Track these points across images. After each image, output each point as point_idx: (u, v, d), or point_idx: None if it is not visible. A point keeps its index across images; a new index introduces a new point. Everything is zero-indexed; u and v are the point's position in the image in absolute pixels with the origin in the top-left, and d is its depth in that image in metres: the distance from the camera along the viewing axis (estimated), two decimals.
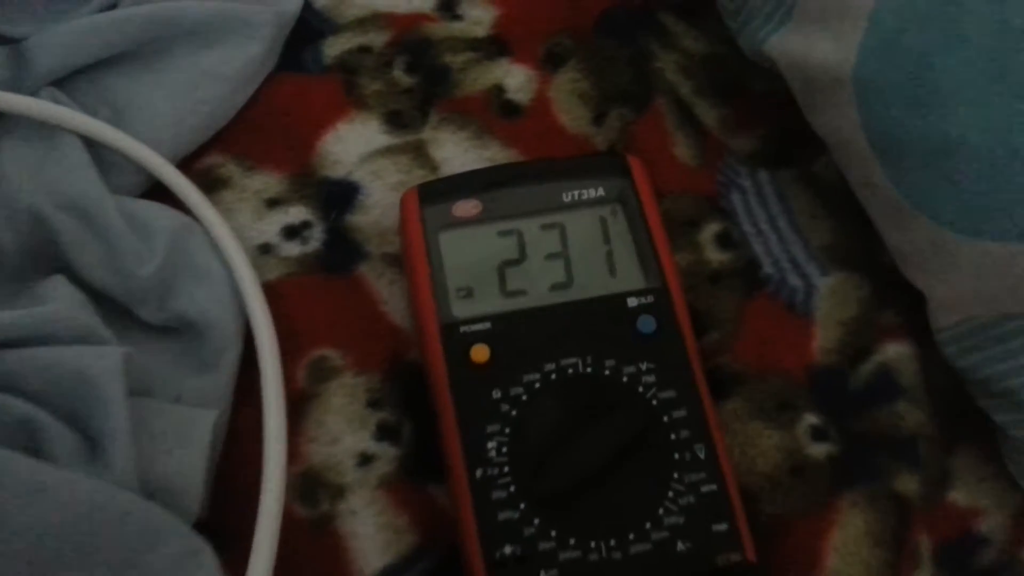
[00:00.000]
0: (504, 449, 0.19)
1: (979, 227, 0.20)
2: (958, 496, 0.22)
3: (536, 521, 0.18)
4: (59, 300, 0.19)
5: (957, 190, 0.20)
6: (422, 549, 0.20)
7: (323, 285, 0.23)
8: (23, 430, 0.17)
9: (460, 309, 0.21)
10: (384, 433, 0.21)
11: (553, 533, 0.18)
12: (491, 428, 0.19)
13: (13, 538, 0.15)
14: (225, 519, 0.19)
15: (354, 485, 0.20)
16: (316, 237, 0.24)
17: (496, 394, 0.19)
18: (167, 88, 0.24)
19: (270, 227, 0.24)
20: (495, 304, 0.21)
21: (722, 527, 0.18)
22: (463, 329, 0.20)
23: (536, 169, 0.23)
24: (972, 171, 0.20)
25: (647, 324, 0.21)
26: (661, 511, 0.18)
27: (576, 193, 0.22)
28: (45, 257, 0.21)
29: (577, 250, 0.22)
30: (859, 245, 0.24)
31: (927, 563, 0.21)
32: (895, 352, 0.23)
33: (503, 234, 0.22)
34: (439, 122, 0.26)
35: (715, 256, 0.24)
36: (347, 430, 0.21)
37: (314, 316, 0.22)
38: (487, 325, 0.20)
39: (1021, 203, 0.20)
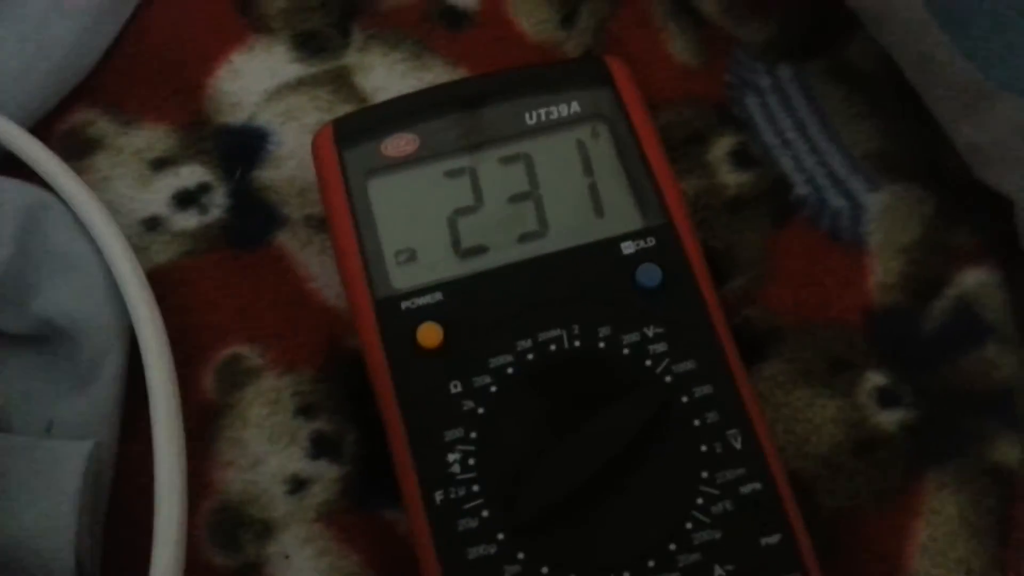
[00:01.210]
0: (471, 461, 0.14)
1: None
2: None
3: (520, 556, 0.13)
4: None
5: None
6: None
7: (231, 263, 0.18)
8: None
9: (400, 278, 0.16)
10: (321, 448, 0.16)
11: (545, 571, 0.13)
12: (451, 434, 0.14)
13: None
14: (119, 573, 0.15)
15: (285, 519, 0.16)
16: (218, 203, 0.19)
17: (455, 387, 0.15)
18: (6, 32, 0.19)
19: (158, 195, 0.18)
20: (446, 268, 0.16)
21: (773, 539, 0.14)
22: (405, 304, 0.15)
23: (488, 86, 0.17)
24: None
25: (650, 275, 0.16)
26: (690, 525, 0.14)
27: (543, 112, 0.17)
28: None
29: (550, 187, 0.17)
30: (915, 149, 0.19)
31: None
32: (975, 281, 0.18)
33: (451, 174, 0.17)
34: (365, 41, 0.20)
35: (731, 178, 0.19)
36: (272, 448, 0.16)
37: (221, 304, 0.17)
38: (437, 296, 0.15)
39: None
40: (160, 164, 0.19)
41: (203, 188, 0.19)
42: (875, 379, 0.17)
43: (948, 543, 0.15)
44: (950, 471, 0.16)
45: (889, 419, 0.16)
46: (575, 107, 0.17)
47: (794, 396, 0.17)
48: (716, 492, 0.14)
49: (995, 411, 0.16)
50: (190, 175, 0.19)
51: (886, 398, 0.17)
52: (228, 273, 0.18)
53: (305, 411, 0.17)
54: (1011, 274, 0.18)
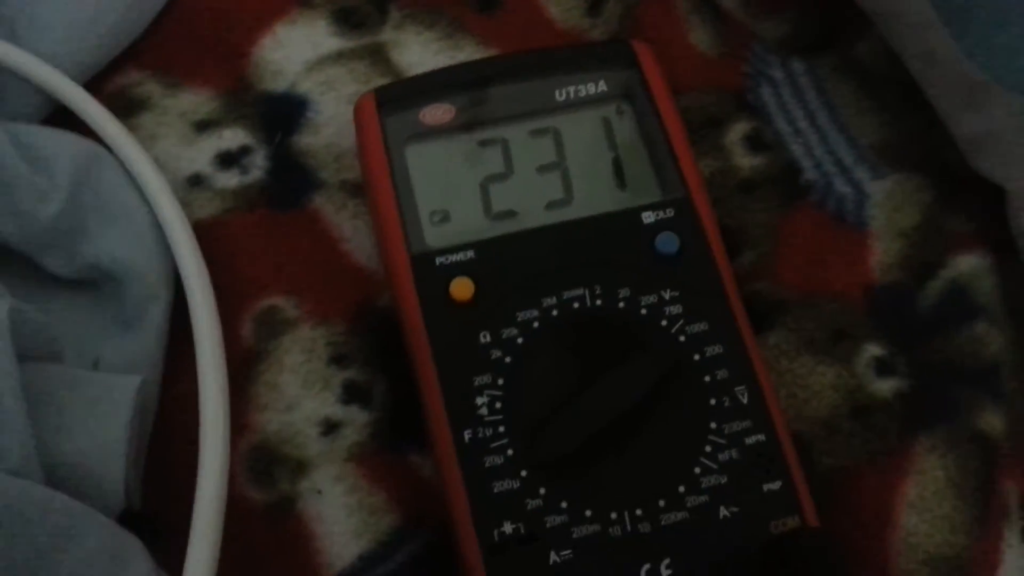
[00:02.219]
0: (497, 405, 0.15)
1: None
2: None
3: (542, 491, 0.14)
4: None
5: None
6: (405, 531, 0.16)
7: (269, 222, 0.19)
8: None
9: (435, 237, 0.17)
10: (352, 395, 0.17)
11: (564, 505, 0.14)
12: (480, 380, 0.15)
13: None
14: (164, 510, 0.16)
15: (318, 459, 0.17)
16: (258, 164, 0.19)
17: (484, 337, 0.16)
18: None
19: (201, 155, 0.19)
20: (478, 229, 0.17)
21: (775, 486, 0.15)
22: (440, 260, 0.16)
23: (521, 63, 0.18)
24: None
25: (668, 243, 0.17)
26: (698, 470, 0.15)
27: (572, 90, 0.18)
28: None
29: (577, 159, 0.18)
30: (917, 140, 0.20)
31: (1016, 514, 0.18)
32: (969, 265, 0.19)
33: (484, 143, 0.18)
34: (401, 19, 0.21)
35: (745, 161, 0.20)
36: (306, 393, 0.17)
37: (260, 259, 0.18)
38: (469, 254, 0.16)
39: None
40: (204, 126, 0.20)
41: (244, 150, 0.20)
42: (872, 350, 0.18)
43: (935, 501, 0.16)
44: (939, 436, 0.17)
45: (884, 387, 0.18)
46: (602, 86, 0.18)
47: (797, 363, 0.18)
48: (723, 442, 0.15)
49: (982, 384, 0.18)
50: (232, 137, 0.20)
51: (882, 368, 0.18)
52: (266, 231, 0.19)
53: (338, 360, 0.18)
54: (1002, 260, 0.19)
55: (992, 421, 0.17)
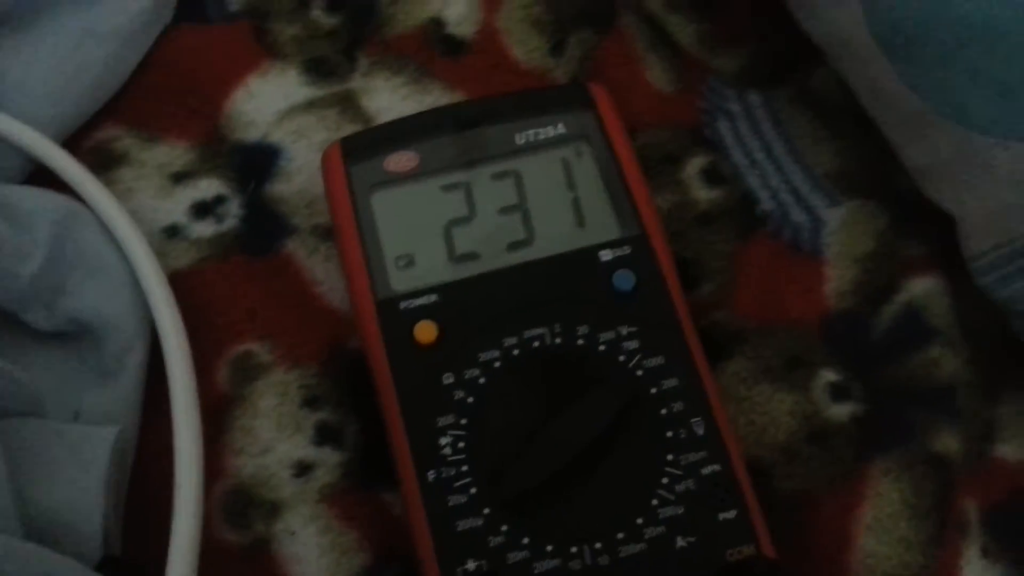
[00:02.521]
0: (461, 444, 0.16)
1: (1016, 125, 0.17)
2: (1006, 450, 0.19)
3: (504, 528, 0.15)
4: None
5: (987, 85, 0.17)
6: (377, 568, 0.16)
7: (244, 268, 0.19)
8: None
9: (400, 281, 0.17)
10: (325, 436, 0.18)
11: (525, 541, 0.15)
12: (443, 420, 0.16)
13: None
14: (144, 554, 0.16)
15: (292, 500, 0.17)
16: (233, 213, 0.20)
17: (448, 379, 0.16)
18: (44, 55, 0.20)
19: (178, 206, 0.20)
20: (442, 272, 0.17)
21: (730, 515, 0.15)
22: (404, 304, 0.17)
23: (482, 109, 0.19)
24: (1003, 59, 0.16)
25: (625, 280, 0.17)
26: (655, 502, 0.15)
27: (532, 133, 0.19)
28: None
29: (537, 201, 0.18)
30: (871, 169, 0.21)
31: (976, 530, 0.18)
32: (923, 288, 0.19)
33: (447, 188, 0.18)
34: (369, 67, 0.22)
35: (702, 194, 0.21)
36: (280, 436, 0.18)
37: (235, 306, 0.19)
38: (433, 298, 0.17)
39: None
40: (180, 177, 0.21)
41: (219, 199, 0.20)
42: (828, 376, 0.18)
43: (892, 523, 0.17)
44: (894, 458, 0.17)
45: (840, 412, 0.18)
46: (560, 128, 0.19)
47: (755, 391, 0.18)
48: (680, 473, 0.15)
49: (938, 406, 0.18)
50: (208, 188, 0.21)
51: (838, 393, 0.18)
52: (241, 277, 0.20)
53: (311, 402, 0.18)
54: (956, 284, 0.20)
55: (948, 442, 0.18)
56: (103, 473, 0.16)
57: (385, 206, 0.18)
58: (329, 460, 0.18)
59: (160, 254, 0.19)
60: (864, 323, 0.19)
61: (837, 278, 0.19)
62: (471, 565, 0.15)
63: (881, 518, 0.17)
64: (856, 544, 0.17)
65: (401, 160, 0.19)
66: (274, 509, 0.17)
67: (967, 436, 0.18)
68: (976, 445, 0.19)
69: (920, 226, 0.20)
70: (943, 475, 0.17)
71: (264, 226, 0.20)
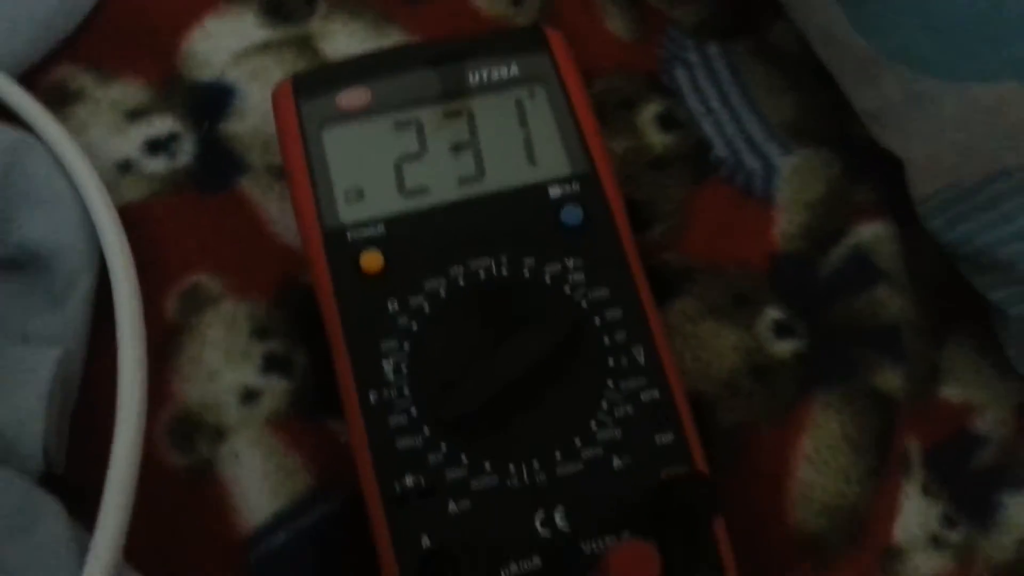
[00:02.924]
0: (403, 368, 0.16)
1: (963, 69, 0.17)
2: (950, 392, 0.19)
3: (443, 447, 0.15)
4: None
5: (934, 27, 0.17)
6: (320, 491, 0.17)
7: (197, 204, 0.19)
8: None
9: (348, 213, 0.17)
10: (272, 365, 0.18)
11: (464, 459, 0.15)
12: (386, 345, 0.16)
13: None
14: (88, 475, 0.16)
15: (237, 425, 0.17)
16: (186, 150, 0.20)
17: (392, 306, 0.16)
18: None
19: (130, 142, 0.20)
20: (390, 204, 0.17)
21: (667, 438, 0.15)
22: (351, 235, 0.17)
23: (437, 49, 0.19)
24: (951, 4, 0.16)
25: (573, 215, 0.17)
26: (594, 424, 0.15)
27: (485, 74, 0.19)
28: None
29: (489, 138, 0.18)
30: (826, 119, 0.21)
31: (918, 468, 0.18)
32: (871, 233, 0.20)
33: (399, 125, 0.18)
34: (328, 11, 0.22)
35: (657, 139, 0.21)
36: (227, 364, 0.18)
37: (186, 239, 0.19)
38: (380, 228, 0.17)
39: (1012, 35, 0.16)
40: (135, 115, 0.21)
41: (173, 137, 0.20)
42: (773, 314, 0.19)
43: (830, 454, 0.17)
44: (835, 393, 0.18)
45: (783, 348, 0.18)
46: (514, 70, 0.19)
47: (701, 328, 0.18)
48: (619, 398, 0.16)
49: (881, 344, 0.18)
50: (161, 125, 0.20)
51: (782, 330, 0.18)
52: (193, 213, 0.20)
53: (259, 333, 0.18)
54: (906, 230, 0.20)
55: (890, 380, 0.18)
56: (44, 391, 0.16)
57: (336, 142, 0.18)
58: (276, 388, 0.18)
59: (112, 188, 0.19)
60: (811, 264, 0.19)
61: (787, 222, 0.20)
62: (409, 481, 0.15)
63: (820, 449, 0.17)
64: (795, 474, 0.17)
65: (353, 97, 0.19)
66: (219, 433, 0.17)
67: (910, 376, 0.18)
68: (920, 386, 0.19)
69: (872, 174, 0.20)
70: (884, 412, 0.18)
71: (218, 164, 0.20)
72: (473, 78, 0.19)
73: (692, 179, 0.20)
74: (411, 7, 0.22)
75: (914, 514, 0.18)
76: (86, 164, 0.18)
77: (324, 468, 0.17)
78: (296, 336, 0.18)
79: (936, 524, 0.18)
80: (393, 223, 0.17)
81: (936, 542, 0.18)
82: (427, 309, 0.16)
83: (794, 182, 0.20)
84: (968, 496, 0.18)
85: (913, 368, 0.19)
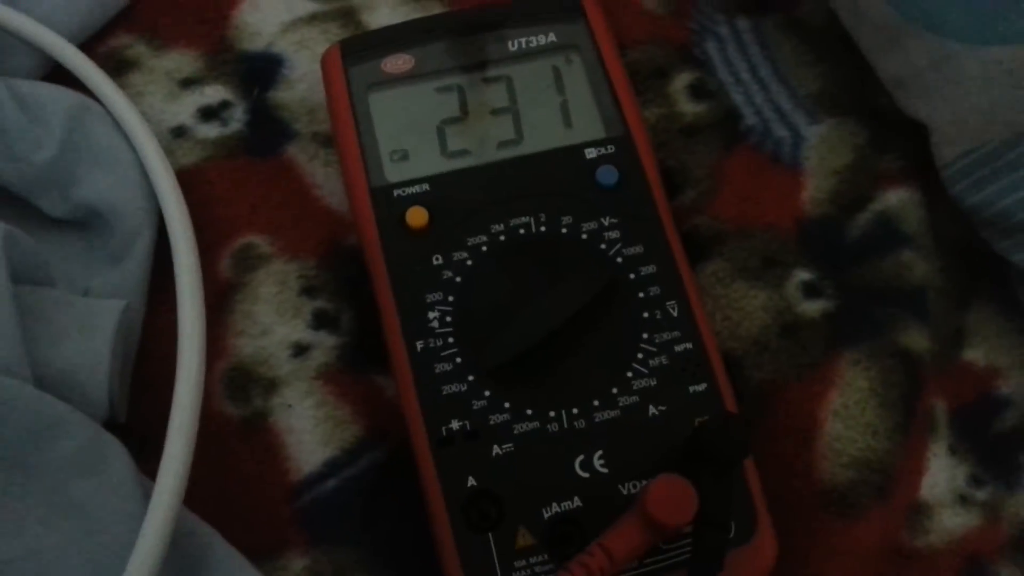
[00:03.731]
0: (448, 319, 0.17)
1: (987, 31, 0.17)
2: (975, 355, 0.20)
3: (486, 393, 0.16)
4: None
5: None
6: (368, 441, 0.17)
7: (247, 168, 0.20)
8: None
9: (394, 172, 0.18)
10: (321, 321, 0.19)
11: (506, 405, 0.16)
12: (432, 296, 0.17)
13: None
14: (147, 424, 0.17)
15: (289, 378, 0.18)
16: (237, 117, 0.21)
17: (436, 260, 0.17)
18: None
19: (185, 109, 0.21)
20: (434, 165, 0.18)
21: (700, 387, 0.16)
22: (397, 192, 0.18)
23: (477, 17, 0.20)
24: None
25: (608, 175, 0.18)
26: (630, 374, 0.16)
27: (524, 41, 0.20)
28: None
29: (527, 103, 0.19)
30: (852, 90, 0.22)
31: (944, 428, 0.19)
32: (897, 199, 0.20)
33: (441, 90, 0.19)
34: None
35: (688, 108, 0.21)
36: (279, 320, 0.19)
37: (238, 202, 0.20)
38: (424, 187, 0.18)
39: None
40: (187, 83, 0.21)
41: (224, 104, 0.21)
42: (801, 275, 0.19)
43: (858, 409, 0.18)
44: (863, 350, 0.18)
45: (811, 308, 0.19)
46: (552, 37, 0.20)
47: (731, 289, 0.19)
48: (654, 349, 0.16)
49: (907, 305, 0.19)
50: (213, 93, 0.21)
51: (810, 290, 0.19)
52: (244, 177, 0.20)
53: (308, 291, 0.19)
54: (931, 197, 0.20)
55: (916, 339, 0.19)
56: (110, 341, 0.17)
57: (381, 105, 0.19)
58: (325, 343, 0.18)
59: (167, 152, 0.20)
60: (839, 228, 0.20)
61: (815, 188, 0.20)
62: (455, 424, 0.16)
63: (848, 404, 0.18)
64: (823, 428, 0.17)
65: (397, 62, 0.19)
66: (272, 385, 0.18)
67: (936, 337, 0.19)
68: (945, 348, 0.19)
69: (897, 142, 0.21)
70: (911, 370, 0.18)
71: (267, 130, 0.21)
72: (511, 45, 0.20)
73: (722, 146, 0.21)
74: None
75: (941, 473, 0.18)
76: (145, 128, 0.19)
77: (371, 419, 0.18)
78: (343, 295, 0.19)
79: (963, 483, 0.18)
80: (437, 182, 0.18)
81: (963, 500, 0.18)
82: (470, 263, 0.17)
83: (821, 150, 0.21)
84: (993, 456, 0.19)
85: (938, 330, 0.19)
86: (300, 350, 0.18)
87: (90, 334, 0.17)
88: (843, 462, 0.17)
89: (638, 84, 0.21)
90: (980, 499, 0.18)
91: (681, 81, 0.21)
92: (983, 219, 0.18)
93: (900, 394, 0.18)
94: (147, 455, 0.16)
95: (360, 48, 0.19)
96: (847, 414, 0.18)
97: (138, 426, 0.17)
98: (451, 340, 0.16)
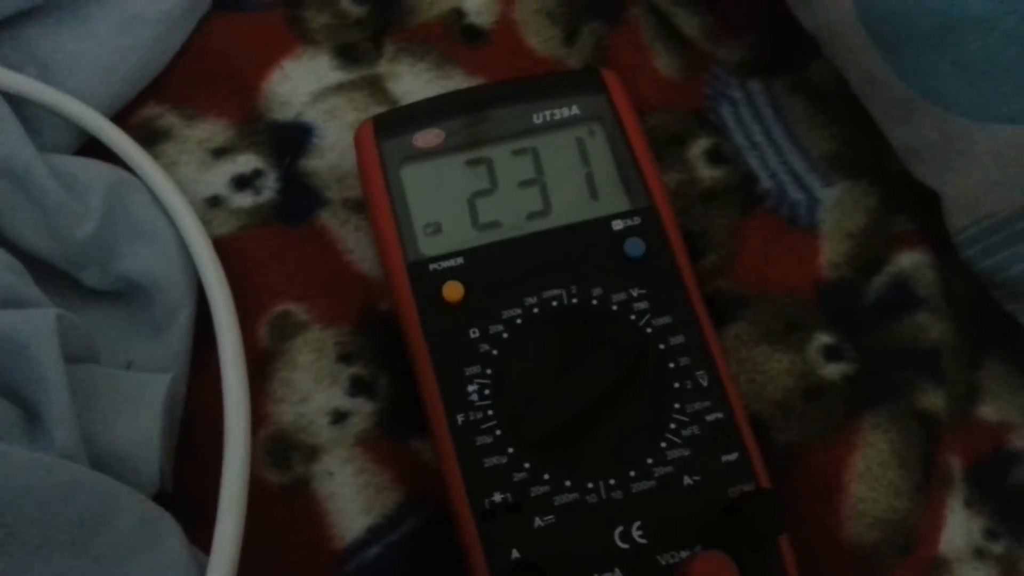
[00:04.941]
0: (486, 392, 0.17)
1: (994, 110, 0.18)
2: (988, 411, 0.20)
3: (526, 465, 0.16)
4: None
5: (966, 71, 0.18)
6: (408, 507, 0.18)
7: (281, 236, 0.21)
8: None
9: (428, 246, 0.19)
10: (358, 388, 0.19)
11: (546, 477, 0.16)
12: (470, 370, 0.17)
13: None
14: (192, 494, 0.18)
15: (329, 444, 0.19)
16: (269, 186, 0.22)
17: (473, 333, 0.18)
18: (94, 36, 0.22)
19: (218, 178, 0.22)
20: (466, 238, 0.19)
21: (732, 457, 0.17)
22: (432, 267, 0.18)
23: (502, 91, 0.21)
24: (980, 47, 0.18)
25: (635, 247, 0.19)
26: (664, 445, 0.17)
27: (548, 114, 0.20)
28: None
29: (553, 175, 0.20)
30: (863, 152, 0.22)
31: (959, 484, 0.19)
32: (910, 261, 0.21)
33: (471, 163, 0.20)
34: (395, 53, 0.23)
35: (707, 173, 0.22)
36: (317, 387, 0.19)
37: (273, 270, 0.20)
38: (459, 260, 0.18)
39: None
40: (220, 152, 0.22)
41: (257, 173, 0.22)
42: (822, 338, 0.20)
43: (881, 471, 0.18)
44: (883, 414, 0.19)
45: (833, 371, 0.20)
46: (575, 110, 0.20)
47: (755, 352, 0.20)
48: (686, 419, 0.17)
49: (924, 367, 0.19)
50: (246, 162, 0.22)
51: (831, 354, 0.20)
52: (278, 245, 0.21)
53: (345, 358, 0.20)
54: (941, 257, 0.21)
55: (933, 400, 0.19)
56: (159, 416, 0.17)
57: (414, 178, 0.20)
58: (363, 409, 0.19)
59: (203, 222, 0.21)
60: (856, 291, 0.20)
61: (831, 251, 0.21)
62: (498, 497, 0.16)
63: (871, 467, 0.18)
64: (848, 490, 0.18)
65: (428, 136, 0.20)
66: (313, 452, 0.19)
67: (951, 396, 0.20)
68: (960, 405, 0.20)
69: (909, 204, 0.22)
70: (929, 430, 0.19)
71: (299, 198, 0.22)
72: (536, 118, 0.20)
73: (740, 210, 0.22)
74: (470, 47, 0.24)
75: (958, 527, 0.19)
76: (183, 200, 0.20)
77: (411, 484, 0.18)
78: (378, 361, 0.20)
79: (979, 537, 0.19)
80: (470, 255, 0.19)
81: (980, 554, 0.19)
82: (505, 336, 0.18)
83: (836, 212, 0.22)
84: (1009, 509, 0.19)
85: (953, 389, 0.20)
86: (339, 417, 0.19)
87: (140, 410, 0.17)
88: (868, 523, 0.18)
89: (657, 150, 0.22)
90: (996, 552, 0.19)
91: (698, 147, 0.22)
92: (994, 283, 0.19)
93: (919, 454, 0.19)
94: (193, 523, 0.17)
95: (392, 123, 0.20)
96: (870, 475, 0.18)
97: (183, 494, 0.18)
98: (490, 413, 0.17)
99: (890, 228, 0.21)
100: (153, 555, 0.15)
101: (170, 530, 0.16)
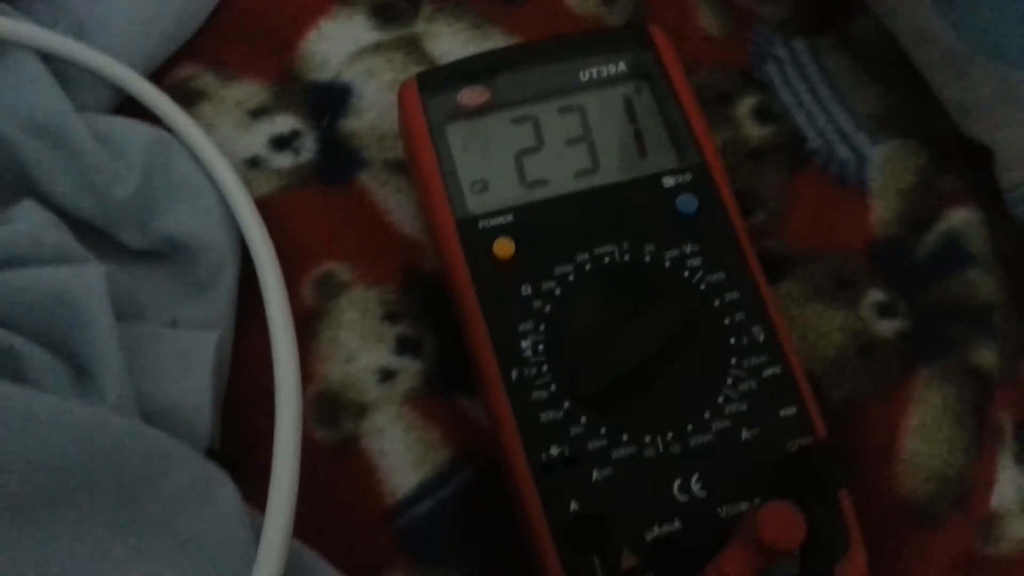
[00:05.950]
0: (540, 347, 0.17)
1: None
2: None
3: (583, 419, 0.16)
4: (29, 222, 0.17)
5: (1022, 20, 0.18)
6: (458, 462, 0.18)
7: (321, 197, 0.21)
8: (3, 360, 0.16)
9: (477, 204, 0.18)
10: (404, 347, 0.19)
11: (603, 431, 0.16)
12: (524, 326, 0.17)
13: None
14: (237, 450, 0.18)
15: (378, 402, 0.18)
16: (308, 147, 0.21)
17: (526, 290, 0.17)
18: None
19: (257, 139, 0.21)
20: (515, 195, 0.18)
21: (790, 411, 0.16)
22: (482, 224, 0.18)
23: (548, 48, 0.20)
24: None
25: (688, 203, 0.18)
26: (721, 399, 0.16)
27: (595, 71, 0.20)
28: (11, 184, 0.19)
29: (601, 133, 0.19)
30: (910, 110, 0.22)
31: (1010, 440, 0.19)
32: (961, 218, 0.20)
33: (517, 121, 0.20)
34: (432, 13, 0.23)
35: (754, 131, 0.22)
36: (364, 346, 0.19)
37: (315, 230, 0.20)
38: (509, 217, 0.18)
39: None
40: (257, 113, 0.22)
41: (295, 134, 0.22)
42: (875, 295, 0.20)
43: (935, 426, 0.18)
44: (937, 369, 0.19)
45: (886, 327, 0.19)
46: (622, 67, 0.20)
47: (807, 309, 0.19)
48: (743, 374, 0.17)
49: (976, 323, 0.19)
50: (284, 123, 0.22)
51: (884, 310, 0.19)
52: (318, 205, 0.21)
53: (390, 317, 0.19)
54: (992, 213, 0.21)
55: (985, 356, 0.19)
56: (209, 373, 0.17)
57: (459, 136, 0.19)
58: (410, 368, 0.19)
59: (243, 182, 0.21)
60: (907, 248, 0.20)
61: (881, 209, 0.21)
62: (555, 451, 0.16)
63: (926, 421, 0.18)
64: (903, 445, 0.18)
65: (473, 94, 0.20)
66: (361, 410, 0.18)
67: (1002, 353, 0.19)
68: (1011, 362, 0.20)
69: (958, 163, 0.21)
70: (981, 386, 0.19)
71: (338, 159, 0.21)
72: (583, 75, 0.20)
73: (789, 169, 0.21)
74: (509, 7, 0.23)
75: (1009, 483, 0.19)
76: (224, 160, 0.20)
77: (460, 441, 0.18)
78: (423, 320, 0.19)
79: None
80: (519, 212, 0.18)
81: None
82: (558, 292, 0.17)
83: (885, 171, 0.21)
84: None
85: (1004, 346, 0.20)
86: (386, 375, 0.19)
87: (190, 368, 0.17)
88: (923, 477, 0.18)
89: (704, 109, 0.22)
90: None
91: (745, 105, 0.22)
92: None
93: (972, 409, 0.18)
94: (241, 480, 0.16)
95: (436, 81, 0.20)
96: (925, 430, 0.18)
97: (230, 450, 0.18)
98: (545, 368, 0.17)
99: (939, 186, 0.21)
100: (208, 510, 0.15)
101: (224, 486, 0.16)
